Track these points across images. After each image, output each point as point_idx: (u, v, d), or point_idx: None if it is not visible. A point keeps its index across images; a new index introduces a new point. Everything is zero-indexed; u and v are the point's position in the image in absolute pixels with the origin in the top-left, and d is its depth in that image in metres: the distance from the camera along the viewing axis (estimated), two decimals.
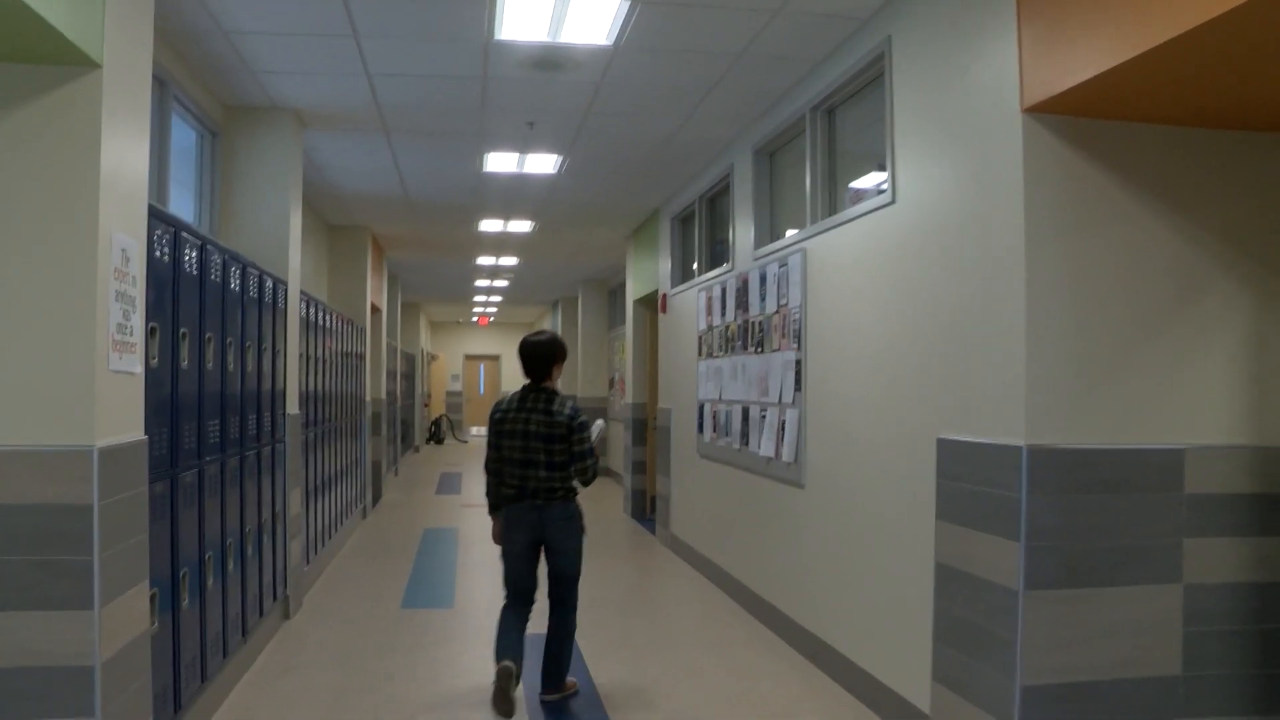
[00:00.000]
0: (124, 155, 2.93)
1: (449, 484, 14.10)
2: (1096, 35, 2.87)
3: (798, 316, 5.32)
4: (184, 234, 3.70)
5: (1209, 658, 3.32)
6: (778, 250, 5.73)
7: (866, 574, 4.47)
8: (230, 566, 4.46)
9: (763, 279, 5.92)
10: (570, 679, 4.60)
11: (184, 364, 3.71)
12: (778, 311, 5.65)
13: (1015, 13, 3.29)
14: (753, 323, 6.12)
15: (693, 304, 7.75)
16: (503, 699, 4.19)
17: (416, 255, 13.15)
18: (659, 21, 4.58)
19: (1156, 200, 3.33)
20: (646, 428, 10.78)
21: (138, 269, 3.05)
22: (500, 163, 7.52)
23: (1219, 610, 3.33)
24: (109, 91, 2.81)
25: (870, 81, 4.65)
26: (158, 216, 3.39)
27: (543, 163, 7.54)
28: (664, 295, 9.01)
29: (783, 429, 5.52)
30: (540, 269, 14.48)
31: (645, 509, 10.73)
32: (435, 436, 22.96)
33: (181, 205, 5.46)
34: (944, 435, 3.73)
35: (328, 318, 7.56)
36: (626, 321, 11.29)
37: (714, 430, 7.02)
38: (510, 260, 13.40)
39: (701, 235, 7.91)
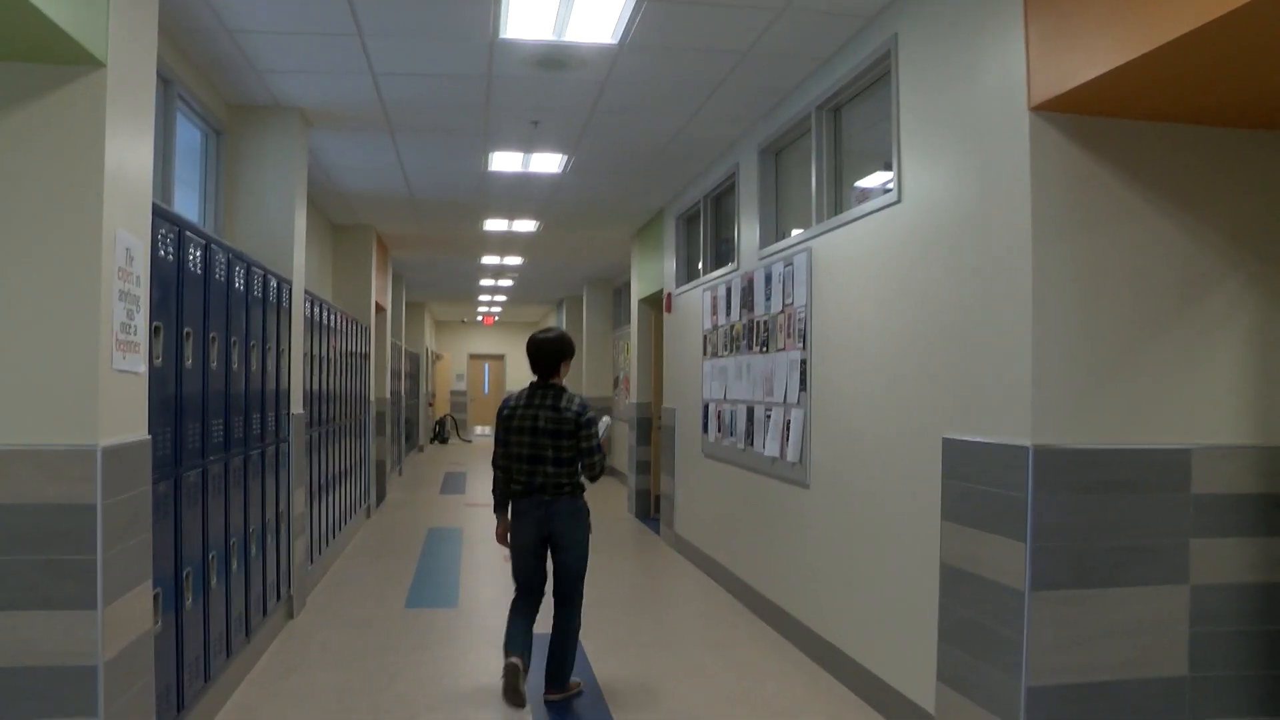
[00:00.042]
0: (128, 154, 2.93)
1: (453, 483, 14.10)
2: (1105, 32, 2.86)
3: (803, 316, 5.30)
4: (188, 233, 3.70)
5: (1216, 659, 3.30)
6: (783, 249, 5.72)
7: (871, 574, 4.46)
8: (234, 566, 4.46)
9: (768, 278, 5.91)
10: (575, 679, 4.60)
11: (188, 363, 3.71)
12: (783, 311, 5.63)
13: (1022, 10, 3.28)
14: (758, 322, 6.11)
15: (698, 303, 7.74)
16: (513, 693, 4.31)
17: (421, 254, 13.15)
18: (664, 20, 4.57)
19: (1163, 199, 3.31)
20: (651, 427, 10.77)
21: (141, 268, 3.04)
22: (505, 162, 7.52)
23: (1226, 611, 3.31)
24: (113, 90, 2.80)
25: (876, 80, 4.64)
26: (162, 215, 3.38)
27: (547, 162, 7.53)
28: (669, 294, 9.00)
29: (787, 429, 5.51)
30: (545, 268, 14.48)
31: (650, 508, 10.72)
32: (440, 436, 22.97)
33: (186, 204, 5.46)
34: (949, 435, 3.72)
35: (332, 317, 7.56)
36: (631, 321, 11.28)
37: (719, 430, 7.01)
38: (515, 259, 13.39)
39: (707, 234, 7.89)
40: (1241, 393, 3.36)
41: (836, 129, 5.21)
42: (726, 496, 6.92)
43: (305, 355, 6.28)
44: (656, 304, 10.40)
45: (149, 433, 3.14)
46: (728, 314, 6.81)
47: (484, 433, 26.81)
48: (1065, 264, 3.24)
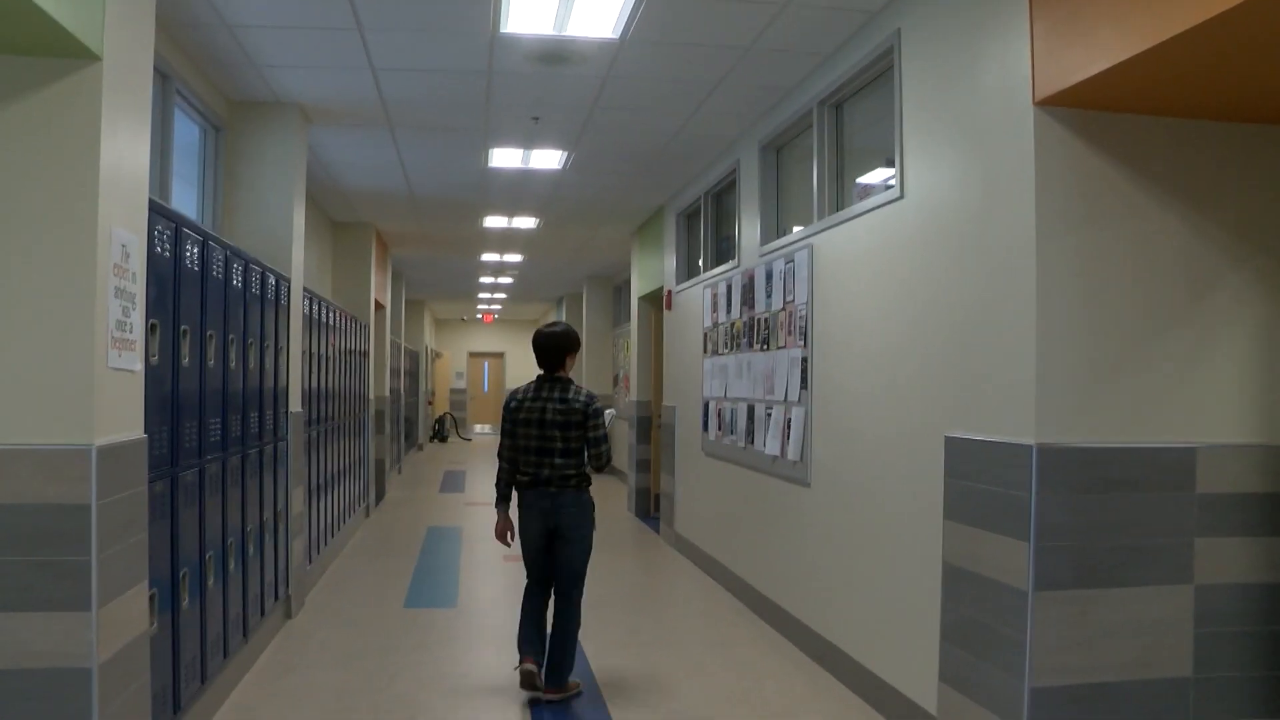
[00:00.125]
0: (124, 149, 2.90)
1: (453, 482, 14.08)
2: (1111, 26, 2.83)
3: (804, 313, 5.27)
4: (185, 230, 3.67)
5: (1220, 659, 3.28)
6: (784, 246, 5.69)
7: (873, 574, 4.43)
8: (231, 566, 4.43)
9: (769, 275, 5.88)
10: (574, 680, 4.57)
11: (185, 361, 3.68)
12: (784, 308, 5.60)
13: (1027, 4, 3.25)
14: (758, 320, 6.08)
15: (698, 301, 7.71)
16: (531, 687, 4.45)
17: (421, 252, 13.13)
18: (666, 14, 4.54)
19: (1169, 195, 3.28)
20: (651, 425, 10.74)
21: (138, 265, 3.01)
22: (505, 158, 7.49)
23: (1230, 611, 3.29)
24: (109, 85, 2.77)
25: (879, 75, 4.61)
26: (159, 212, 3.35)
27: (548, 158, 7.50)
28: (669, 292, 8.97)
29: (788, 427, 5.49)
30: (545, 265, 14.45)
31: (649, 507, 10.70)
32: (439, 434, 22.95)
33: (184, 201, 5.44)
34: (952, 433, 3.69)
35: (331, 315, 7.53)
36: (631, 318, 11.26)
37: (719, 428, 6.98)
38: (515, 257, 13.37)
39: (707, 231, 7.87)
40: (1247, 390, 3.33)
41: (838, 125, 5.18)
42: (727, 495, 6.89)
43: (304, 353, 6.26)
44: (657, 301, 10.37)
45: (145, 432, 3.11)
46: (728, 311, 6.78)
47: (484, 431, 26.80)
48: (1069, 260, 3.22)
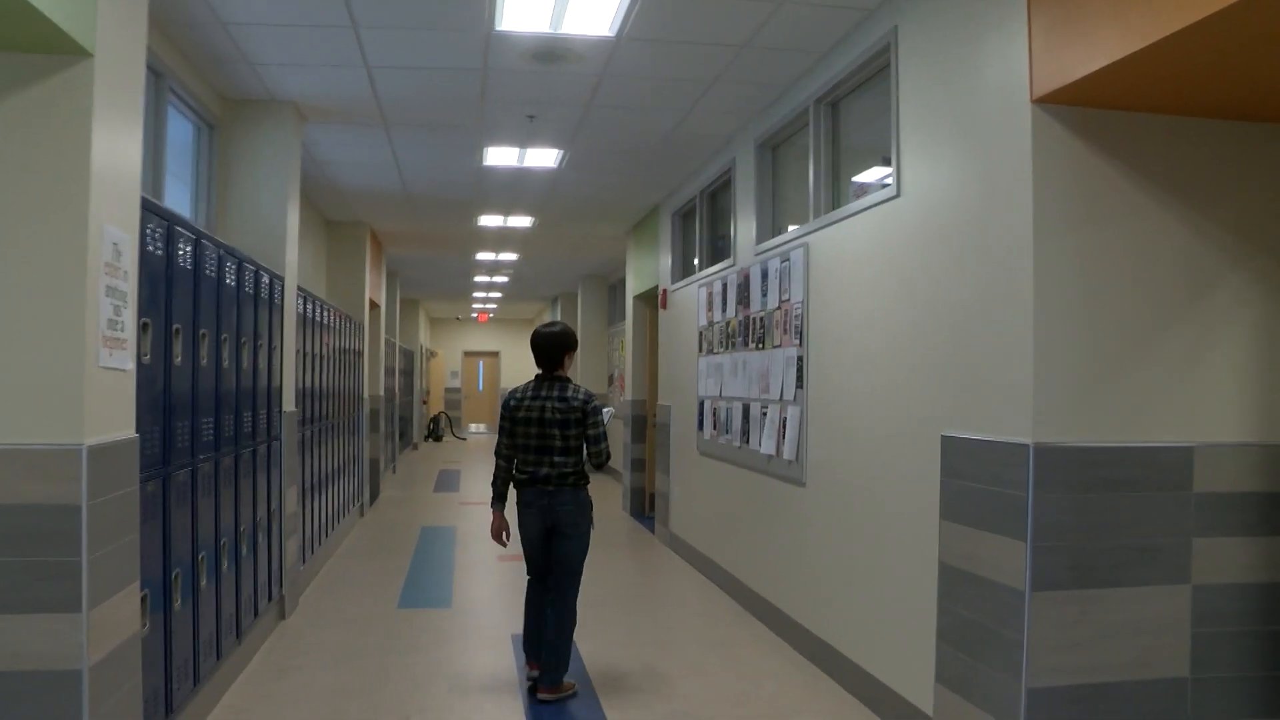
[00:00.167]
0: (116, 146, 2.87)
1: (447, 481, 14.05)
2: (1110, 23, 2.81)
3: (800, 312, 5.26)
4: (178, 228, 3.64)
5: (1218, 659, 3.27)
6: (780, 245, 5.68)
7: (868, 574, 4.42)
8: (224, 566, 4.41)
9: (764, 274, 5.87)
10: (569, 681, 4.55)
11: (177, 360, 3.65)
12: (779, 307, 5.59)
13: (1025, 1, 3.23)
14: (754, 319, 6.07)
15: (693, 300, 7.69)
16: (534, 693, 4.53)
17: (416, 251, 13.09)
18: (662, 12, 4.52)
19: (1168, 193, 3.27)
20: (646, 425, 10.72)
21: (130, 263, 2.99)
22: (500, 157, 7.46)
23: (1228, 611, 3.28)
24: (100, 81, 2.75)
25: (876, 73, 4.59)
26: (151, 210, 3.33)
27: (543, 157, 7.48)
28: (664, 291, 8.95)
29: (784, 426, 5.47)
30: (540, 265, 14.43)
31: (644, 507, 10.69)
32: (434, 434, 22.91)
33: (178, 199, 5.41)
34: (948, 432, 3.68)
35: (325, 314, 7.50)
36: (626, 317, 11.24)
37: (714, 427, 6.97)
38: (510, 256, 13.34)
39: (702, 230, 7.85)
40: (1245, 390, 3.32)
41: (835, 123, 5.17)
42: (722, 495, 6.88)
43: (298, 352, 6.23)
44: (652, 300, 10.35)
45: (137, 431, 3.09)
46: (724, 310, 6.77)
47: (479, 430, 26.77)
48: (1067, 259, 3.20)
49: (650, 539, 9.16)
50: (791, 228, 5.71)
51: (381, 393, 11.98)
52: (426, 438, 22.77)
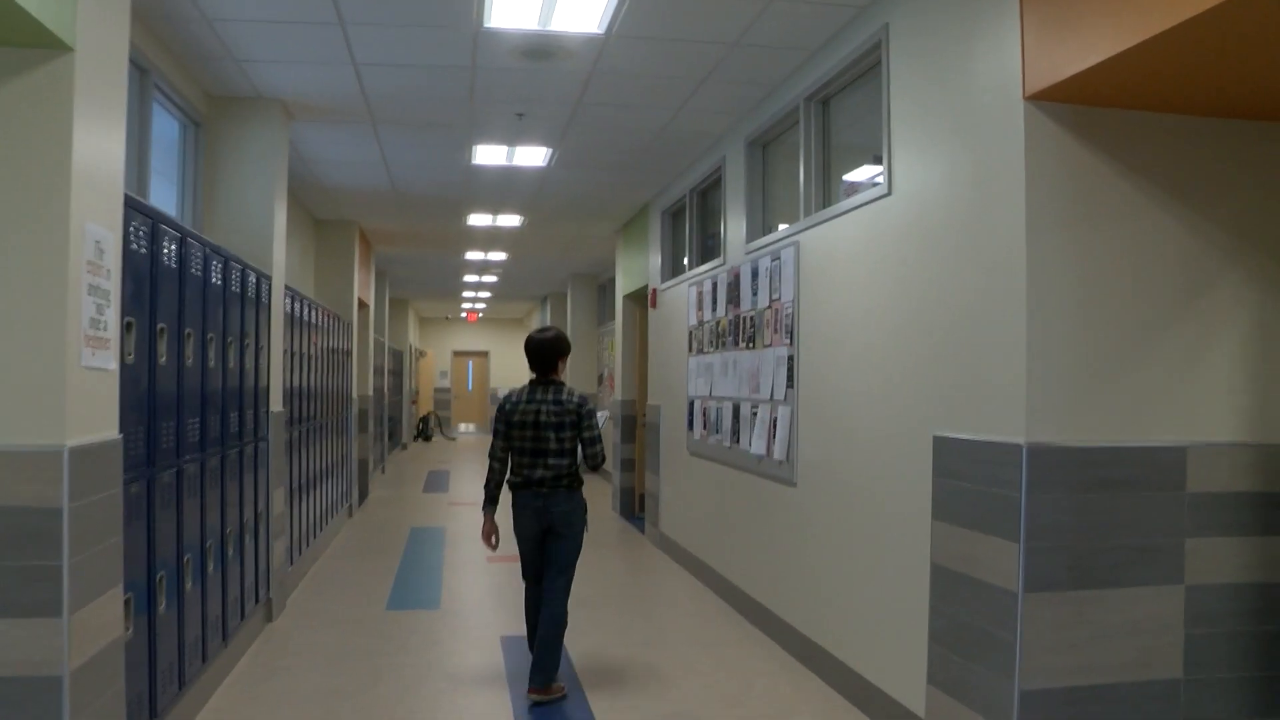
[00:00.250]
0: (98, 143, 2.83)
1: (437, 482, 14.00)
2: (1103, 19, 2.79)
3: (790, 311, 5.24)
4: (163, 226, 3.60)
5: (1212, 660, 3.25)
6: (770, 244, 5.65)
7: (860, 575, 4.40)
8: (210, 568, 4.36)
9: (754, 273, 5.84)
10: (558, 683, 4.52)
11: (162, 360, 3.60)
12: (770, 306, 5.57)
13: None
14: (744, 318, 6.04)
15: (683, 299, 7.67)
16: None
17: (405, 250, 13.04)
18: (652, 9, 4.49)
19: (1162, 191, 3.25)
20: (636, 424, 10.70)
21: (113, 261, 2.94)
22: (489, 155, 7.43)
23: (1222, 612, 3.26)
24: (82, 76, 2.71)
25: (866, 71, 4.57)
26: (135, 208, 3.28)
27: (532, 155, 7.44)
28: (654, 290, 8.92)
29: (774, 426, 5.45)
30: (529, 264, 14.39)
31: (634, 507, 10.65)
32: (423, 434, 22.84)
33: (163, 197, 5.35)
34: (941, 433, 3.65)
35: (313, 313, 7.45)
36: (616, 317, 11.20)
37: (704, 427, 6.94)
38: (499, 255, 13.30)
39: (692, 229, 7.82)
40: (1240, 389, 3.31)
41: (825, 121, 5.14)
42: (712, 495, 6.85)
43: (285, 352, 6.18)
44: (641, 300, 10.32)
45: (120, 432, 3.04)
46: (714, 309, 6.74)
47: (468, 430, 26.69)
48: (1061, 257, 3.18)
49: (640, 539, 9.13)
50: (782, 226, 5.69)
51: (370, 392, 11.93)
52: (416, 438, 22.70)
